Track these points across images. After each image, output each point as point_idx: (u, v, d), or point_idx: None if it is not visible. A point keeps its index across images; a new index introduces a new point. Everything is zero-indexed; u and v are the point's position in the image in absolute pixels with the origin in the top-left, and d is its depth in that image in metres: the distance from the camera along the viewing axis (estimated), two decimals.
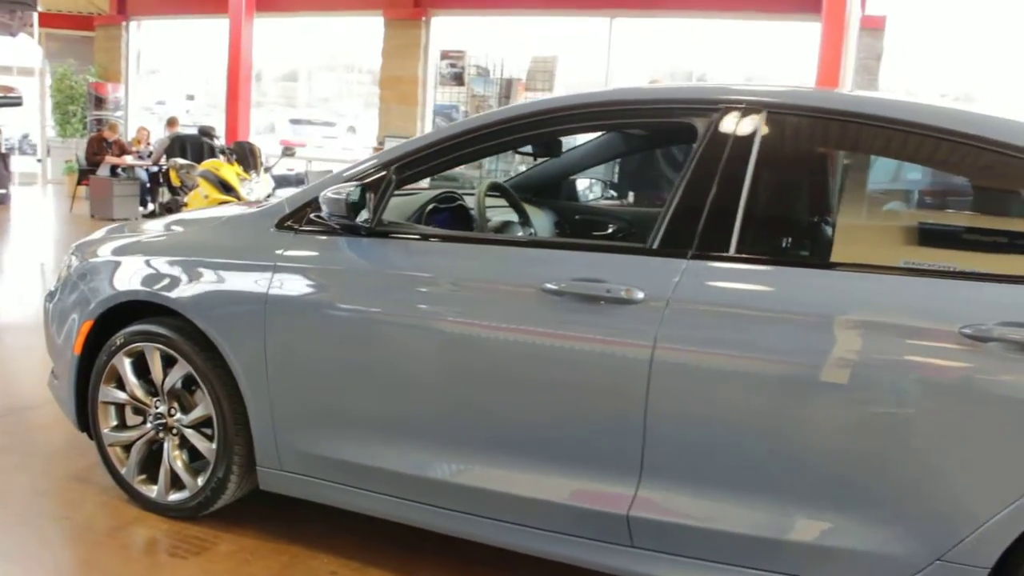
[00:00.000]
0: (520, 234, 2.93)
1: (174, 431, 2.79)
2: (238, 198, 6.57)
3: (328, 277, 2.47)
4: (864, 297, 1.99)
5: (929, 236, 2.20)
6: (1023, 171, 2.00)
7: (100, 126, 12.20)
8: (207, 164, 6.98)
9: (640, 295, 2.10)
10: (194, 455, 2.80)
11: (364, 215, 2.42)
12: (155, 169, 11.09)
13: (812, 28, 9.88)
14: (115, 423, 2.92)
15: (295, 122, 17.79)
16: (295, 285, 2.49)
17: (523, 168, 4.79)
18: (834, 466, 2.00)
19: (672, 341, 2.08)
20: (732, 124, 2.19)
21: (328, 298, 2.46)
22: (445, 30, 11.79)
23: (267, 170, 6.99)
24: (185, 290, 2.65)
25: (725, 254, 2.11)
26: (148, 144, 11.81)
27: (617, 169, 4.73)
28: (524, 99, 7.75)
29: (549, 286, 2.19)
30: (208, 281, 2.63)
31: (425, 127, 12.15)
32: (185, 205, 6.90)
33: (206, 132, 6.90)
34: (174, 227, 3.05)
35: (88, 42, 13.80)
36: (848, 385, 1.96)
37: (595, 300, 2.14)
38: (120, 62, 13.51)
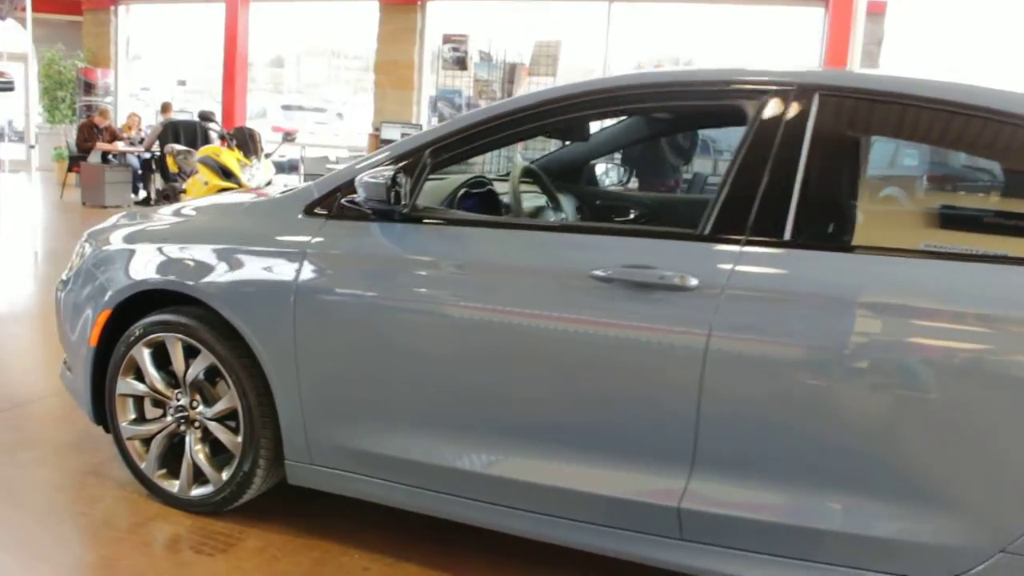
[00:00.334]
0: (553, 219, 2.85)
1: (196, 424, 2.70)
2: (238, 184, 6.45)
3: (364, 264, 2.38)
4: (924, 284, 1.93)
5: (1000, 223, 2.14)
6: None
7: (90, 112, 11.99)
8: (206, 150, 6.84)
9: (694, 282, 2.04)
10: (216, 448, 2.72)
11: (398, 200, 2.32)
12: (147, 156, 10.93)
13: (813, 14, 9.85)
14: (133, 416, 2.83)
15: (286, 108, 17.61)
16: (328, 272, 2.40)
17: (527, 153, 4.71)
18: (896, 457, 1.94)
19: (727, 329, 2.01)
20: (783, 107, 2.12)
21: (364, 286, 2.37)
22: (441, 14, 11.65)
23: (267, 156, 6.86)
24: (210, 279, 2.56)
25: (780, 240, 2.05)
26: (139, 130, 11.63)
27: (621, 154, 4.66)
28: (527, 84, 7.65)
29: (598, 273, 2.11)
30: (234, 269, 2.54)
31: (421, 113, 12.04)
32: (183, 192, 6.76)
33: (206, 117, 6.75)
34: (192, 214, 2.95)
35: (76, 27, 13.54)
36: (911, 375, 1.90)
37: (647, 287, 2.07)
38: (109, 47, 13.28)
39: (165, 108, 11.04)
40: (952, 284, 1.91)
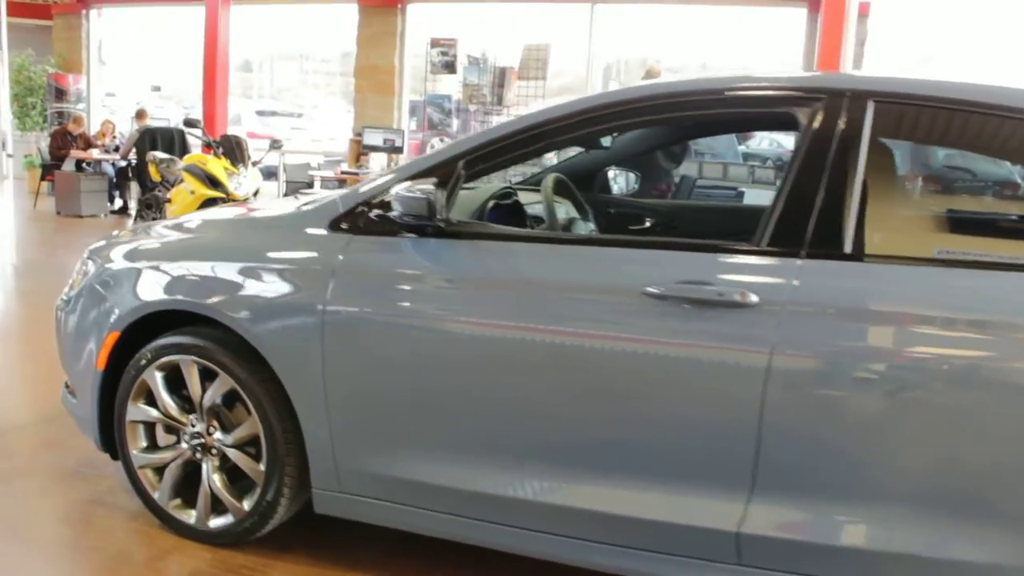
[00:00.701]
0: (586, 231, 2.75)
1: (213, 451, 2.56)
2: (226, 193, 6.28)
3: (399, 282, 2.26)
4: (997, 296, 1.86)
5: None
6: None
7: (62, 119, 11.69)
8: (192, 158, 6.65)
9: (754, 298, 1.95)
10: (233, 476, 2.58)
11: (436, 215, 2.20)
12: (123, 164, 10.66)
13: (796, 14, 9.86)
14: (144, 443, 2.68)
15: (261, 113, 17.35)
16: (359, 291, 2.28)
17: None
18: (967, 476, 1.87)
19: (791, 347, 1.93)
20: (838, 115, 2.04)
21: (399, 305, 2.25)
22: (422, 18, 11.51)
23: (255, 164, 6.68)
24: (229, 299, 2.42)
25: (840, 253, 1.97)
26: (114, 137, 11.35)
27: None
28: (516, 88, 7.56)
29: (651, 289, 2.02)
30: (255, 288, 2.41)
31: (402, 117, 11.88)
32: (168, 201, 6.57)
33: (192, 124, 6.56)
34: (203, 230, 2.81)
35: (46, 32, 13.19)
36: (985, 393, 1.83)
37: (705, 304, 1.98)
38: (81, 52, 12.95)
39: (140, 115, 10.77)
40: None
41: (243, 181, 6.38)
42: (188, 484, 2.64)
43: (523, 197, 2.83)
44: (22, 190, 11.72)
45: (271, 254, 2.43)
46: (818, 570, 2.00)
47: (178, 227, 2.87)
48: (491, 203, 2.57)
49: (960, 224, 2.14)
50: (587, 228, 2.80)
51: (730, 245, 2.09)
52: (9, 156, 7.19)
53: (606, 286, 2.09)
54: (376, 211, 2.32)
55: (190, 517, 2.62)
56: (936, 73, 2.11)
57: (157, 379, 2.58)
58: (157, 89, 13.95)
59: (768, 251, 2.01)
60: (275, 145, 7.18)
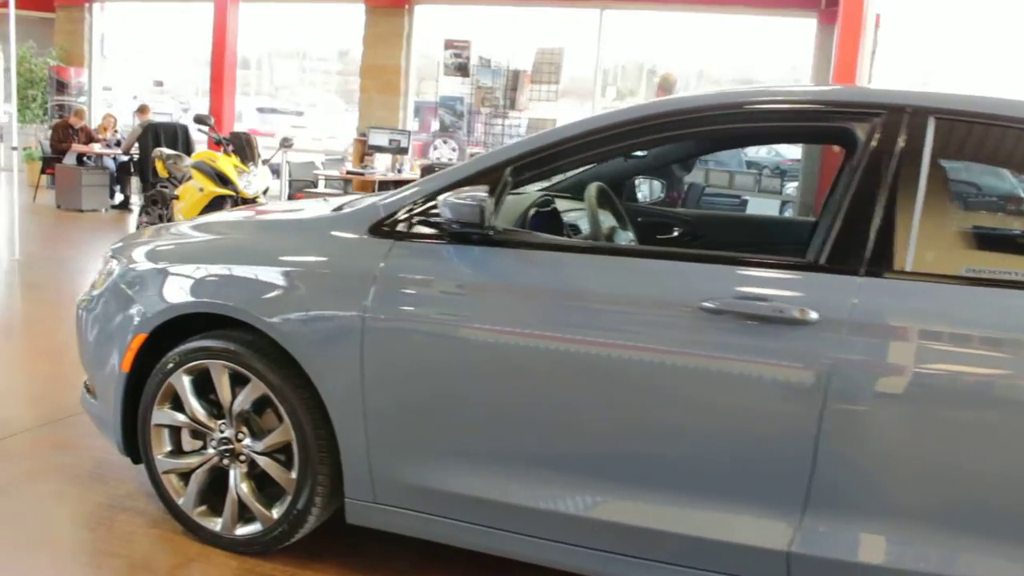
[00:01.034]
0: (629, 241, 2.70)
1: (242, 457, 2.50)
2: (235, 191, 6.20)
3: (445, 290, 2.21)
4: None
5: None
6: None
7: (63, 112, 11.58)
8: (201, 155, 6.57)
9: (814, 316, 1.91)
10: (260, 483, 2.52)
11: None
12: (125, 158, 10.57)
13: (806, 24, 9.85)
14: (169, 448, 2.62)
15: (262, 111, 17.25)
16: (402, 299, 2.23)
17: None
18: None
19: (851, 365, 1.89)
20: (898, 131, 2.01)
21: (445, 313, 2.19)
22: (429, 19, 11.46)
23: (265, 162, 6.61)
24: (263, 302, 2.36)
25: (902, 271, 1.93)
26: (115, 132, 11.24)
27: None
28: (528, 91, 7.52)
29: (708, 304, 1.98)
30: (292, 292, 2.35)
31: (407, 118, 11.83)
32: (176, 198, 6.49)
33: (202, 120, 6.49)
34: (235, 230, 2.74)
35: (48, 24, 13.07)
36: None
37: (763, 320, 1.94)
38: (83, 45, 12.83)
39: (143, 110, 10.66)
40: None
41: (253, 179, 6.31)
42: (213, 490, 2.59)
43: (559, 204, 2.78)
44: (21, 182, 11.59)
45: (308, 258, 2.38)
46: None
47: (206, 228, 2.81)
48: (532, 210, 2.52)
49: (1019, 245, 2.10)
50: (627, 238, 2.75)
51: (788, 260, 2.05)
52: (14, 149, 7.08)
53: (662, 299, 2.04)
54: (420, 217, 2.27)
55: (215, 524, 2.55)
56: (992, 90, 2.08)
57: (185, 383, 2.52)
58: (159, 84, 13.83)
59: (827, 268, 1.97)
60: (285, 143, 7.10)
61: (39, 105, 12.29)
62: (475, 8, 11.23)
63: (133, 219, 10.05)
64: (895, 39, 10.01)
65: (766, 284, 1.99)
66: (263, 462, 2.46)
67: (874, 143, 2.01)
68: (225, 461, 2.52)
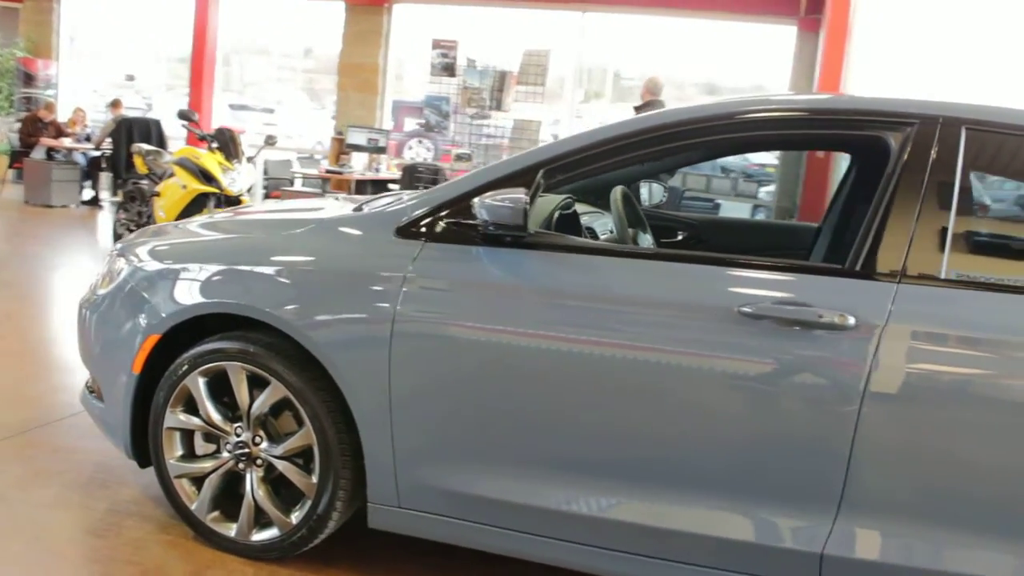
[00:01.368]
0: (649, 244, 2.70)
1: (258, 461, 2.45)
2: (219, 188, 6.09)
3: (476, 293, 2.19)
4: None
5: None
6: None
7: (30, 105, 11.29)
8: (183, 151, 6.44)
9: (852, 321, 1.93)
10: (275, 487, 2.48)
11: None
12: (96, 154, 10.34)
13: (786, 32, 9.98)
14: (181, 452, 2.56)
15: (234, 107, 16.97)
16: (433, 301, 2.20)
17: None
18: None
19: (888, 369, 1.92)
20: (931, 140, 2.03)
21: (478, 317, 2.16)
22: (408, 18, 11.40)
23: (249, 160, 6.50)
24: (286, 304, 2.32)
25: (938, 278, 1.96)
26: (85, 126, 11.00)
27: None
28: (514, 92, 7.50)
29: (746, 309, 1.98)
30: (316, 294, 2.31)
31: (385, 117, 11.75)
32: (157, 195, 6.35)
33: (186, 116, 6.36)
34: (251, 229, 2.68)
35: (13, 14, 12.74)
36: None
37: (801, 325, 1.95)
38: (51, 37, 12.52)
39: (115, 104, 10.45)
40: None
41: (237, 177, 6.21)
42: (225, 495, 2.53)
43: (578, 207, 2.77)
44: None
45: (335, 259, 2.34)
46: None
47: (220, 227, 2.75)
48: (556, 213, 2.51)
49: None
50: (648, 241, 2.75)
51: (821, 266, 2.07)
52: None
53: (701, 304, 2.05)
54: (450, 219, 2.24)
55: (230, 530, 2.50)
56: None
57: (200, 385, 2.46)
58: (131, 79, 13.54)
59: (862, 274, 1.99)
60: (270, 141, 7.00)
61: (5, 97, 11.97)
62: (456, 8, 11.20)
63: (104, 216, 9.85)
64: (873, 47, 10.17)
65: (804, 290, 2.00)
66: (282, 466, 2.41)
67: (908, 152, 2.04)
68: (241, 465, 2.47)
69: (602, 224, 2.90)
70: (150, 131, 9.83)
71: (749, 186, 10.13)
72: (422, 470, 2.26)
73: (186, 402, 2.51)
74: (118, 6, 13.28)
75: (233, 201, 6.30)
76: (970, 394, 1.91)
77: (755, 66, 11.09)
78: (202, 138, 6.37)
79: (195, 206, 6.21)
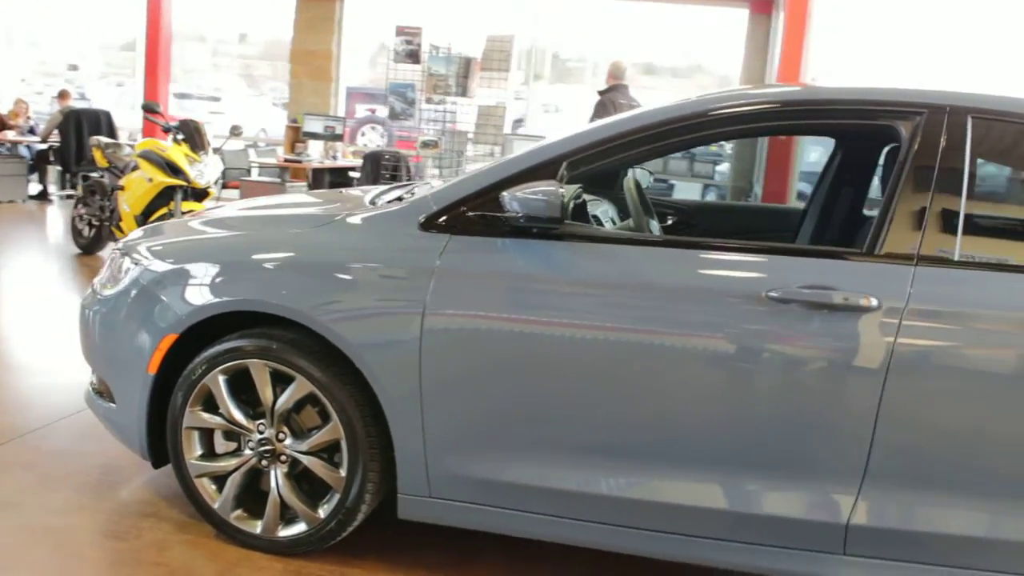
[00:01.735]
0: (660, 232, 2.77)
1: (283, 458, 2.46)
2: (187, 181, 5.96)
3: (509, 285, 2.22)
4: None
5: None
6: None
7: None
8: (147, 144, 6.26)
9: (874, 302, 2.03)
10: (298, 482, 2.49)
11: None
12: (42, 147, 9.99)
13: (738, 15, 10.15)
14: (200, 451, 2.55)
15: (178, 96, 16.53)
16: (463, 294, 2.23)
17: None
18: None
19: (909, 349, 2.03)
20: (941, 129, 2.14)
21: (509, 308, 2.20)
22: (361, 3, 11.26)
23: (216, 151, 6.37)
24: (314, 300, 2.32)
25: (951, 260, 2.07)
26: (28, 118, 10.61)
27: None
28: (478, 79, 7.49)
29: (774, 293, 2.07)
30: (343, 289, 2.32)
31: (339, 104, 11.61)
32: (121, 188, 6.19)
33: (150, 109, 6.19)
34: (269, 225, 2.66)
35: None
36: None
37: (827, 308, 2.05)
38: None
39: (63, 95, 10.10)
40: None
41: (205, 169, 6.08)
42: (246, 492, 2.53)
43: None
44: None
45: (360, 254, 2.34)
46: (922, 556, 2.10)
47: (231, 224, 2.73)
48: (571, 203, 2.55)
49: None
50: (656, 228, 2.82)
51: (841, 250, 2.17)
52: None
53: (728, 289, 2.12)
54: (476, 212, 2.27)
55: (255, 527, 2.50)
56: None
57: (221, 384, 2.45)
58: (74, 68, 13.09)
59: (881, 257, 2.09)
60: (235, 131, 6.86)
61: None
62: None
63: (54, 211, 9.55)
64: (833, 32, 10.41)
65: (827, 274, 2.09)
66: (309, 461, 2.42)
67: (918, 141, 2.14)
68: (264, 462, 2.47)
69: (602, 211, 2.96)
70: (100, 122, 9.54)
71: (705, 167, 10.30)
72: (453, 459, 2.30)
73: (205, 401, 2.50)
74: None
75: (201, 194, 6.18)
76: (984, 369, 2.04)
77: (703, 47, 11.26)
78: (167, 130, 6.22)
79: (161, 199, 6.08)
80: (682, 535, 2.22)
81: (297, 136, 10.69)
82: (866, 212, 3.26)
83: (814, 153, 9.13)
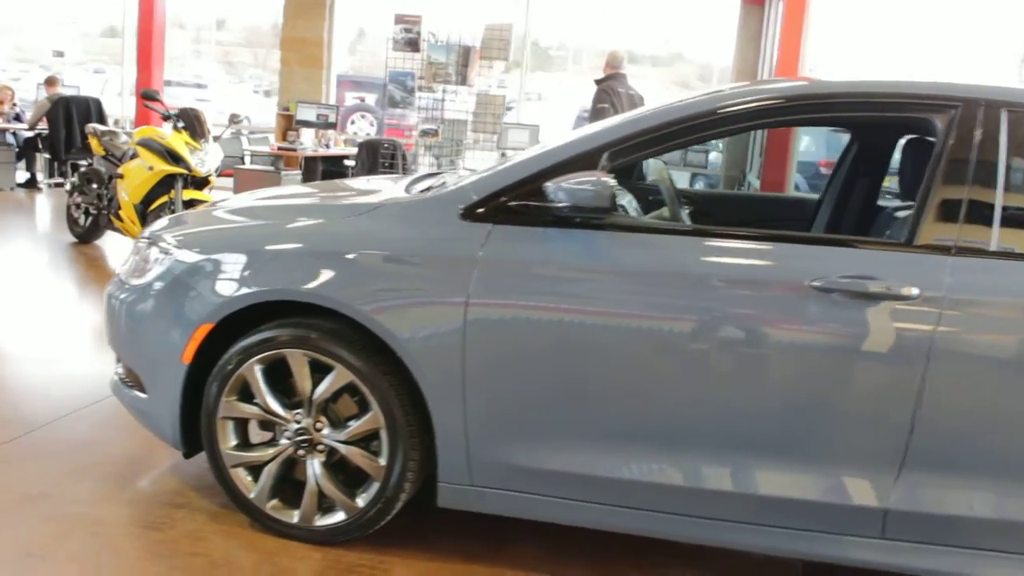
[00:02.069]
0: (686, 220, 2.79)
1: (320, 447, 2.46)
2: (188, 169, 5.91)
3: (552, 274, 2.23)
4: None
5: None
6: None
7: None
8: (146, 131, 6.19)
9: (915, 291, 2.07)
10: (335, 472, 2.49)
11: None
12: (30, 134, 9.85)
13: (730, 4, 10.18)
14: (235, 441, 2.54)
15: (168, 84, 16.31)
16: (507, 284, 2.24)
17: None
18: None
19: (950, 338, 2.07)
20: (975, 121, 2.17)
21: (552, 298, 2.22)
22: None
23: (216, 139, 6.31)
24: (354, 290, 2.32)
25: (987, 250, 2.11)
26: (14, 105, 10.44)
27: None
28: (478, 67, 7.47)
29: (816, 283, 2.10)
30: (384, 279, 2.32)
31: (330, 92, 11.54)
32: (120, 177, 6.12)
33: (150, 96, 6.11)
34: (304, 214, 2.64)
35: None
36: None
37: (869, 297, 2.08)
38: None
39: (51, 82, 9.95)
40: None
41: (206, 157, 6.02)
42: (282, 481, 2.54)
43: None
44: None
45: (401, 243, 2.34)
46: (958, 540, 2.15)
47: (266, 212, 2.73)
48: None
49: None
50: (686, 217, 2.84)
51: (879, 240, 2.21)
52: None
53: (772, 279, 2.15)
54: (518, 201, 2.28)
55: (292, 517, 2.51)
56: None
57: (258, 373, 2.45)
58: (60, 55, 12.89)
59: (920, 248, 2.12)
60: (235, 120, 6.80)
61: None
62: None
63: (42, 199, 9.43)
64: (830, 23, 10.46)
65: (868, 264, 2.13)
66: (347, 450, 2.43)
67: (954, 133, 2.17)
68: (301, 452, 2.48)
69: (627, 201, 2.98)
70: (89, 110, 9.41)
71: (699, 156, 10.35)
72: (495, 448, 2.32)
73: (240, 391, 2.49)
74: None
75: (201, 182, 6.13)
76: (1021, 357, 2.08)
77: (685, 36, 11.28)
78: (167, 117, 6.15)
79: (161, 188, 6.02)
80: (722, 520, 2.25)
81: (289, 124, 10.62)
82: (881, 203, 3.31)
83: (803, 141, 9.23)
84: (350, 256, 2.36)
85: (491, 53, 7.28)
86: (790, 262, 2.17)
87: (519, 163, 2.36)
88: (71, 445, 3.07)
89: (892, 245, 2.17)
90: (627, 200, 3.03)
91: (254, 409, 2.49)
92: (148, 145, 5.99)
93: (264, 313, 2.46)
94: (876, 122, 2.88)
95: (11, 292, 5.31)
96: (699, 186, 9.61)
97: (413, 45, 6.98)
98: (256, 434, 2.61)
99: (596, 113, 6.99)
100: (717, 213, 3.65)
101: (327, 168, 9.95)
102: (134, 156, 6.14)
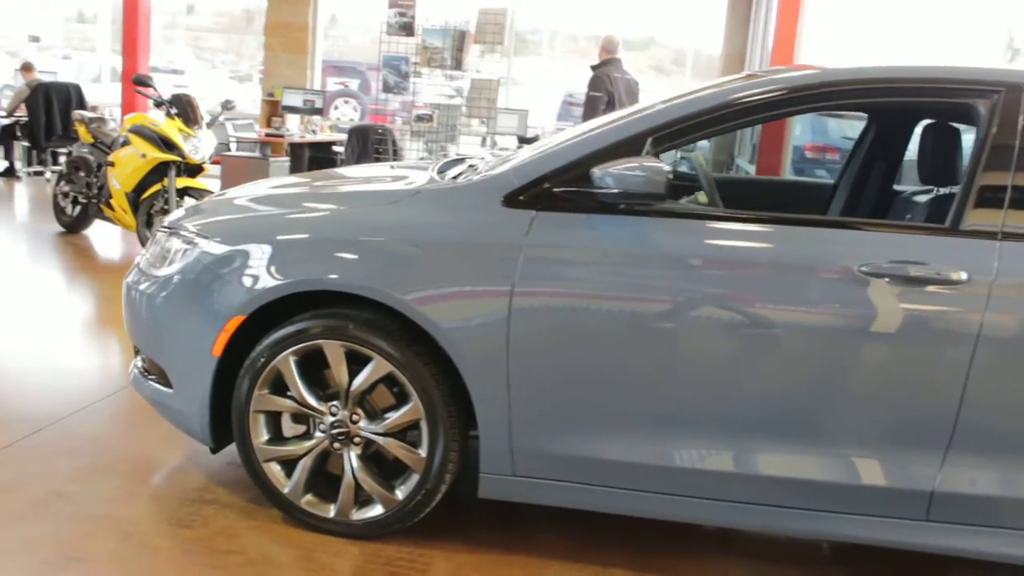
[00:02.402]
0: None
1: (356, 440, 2.42)
2: (181, 156, 5.78)
3: (599, 261, 2.19)
4: None
5: None
6: None
7: None
8: (137, 118, 6.05)
9: (964, 276, 2.07)
10: (371, 464, 2.45)
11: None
12: (7, 121, 9.61)
13: None
14: (267, 435, 2.49)
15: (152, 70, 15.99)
16: (553, 271, 2.20)
17: None
18: None
19: (998, 322, 2.07)
20: (1019, 106, 2.17)
21: (599, 284, 2.18)
22: None
23: (208, 125, 6.18)
24: (394, 279, 2.27)
25: None
26: None
27: None
28: (473, 52, 7.39)
29: (865, 268, 2.09)
30: (427, 268, 2.27)
31: (315, 77, 11.39)
32: (111, 164, 5.98)
33: (142, 82, 5.95)
34: (336, 201, 2.59)
35: None
36: None
37: (918, 281, 2.08)
38: None
39: (27, 68, 9.70)
40: None
41: (199, 144, 5.90)
42: (315, 475, 2.49)
43: None
44: None
45: (441, 230, 2.30)
46: (1003, 521, 2.17)
47: (292, 200, 2.66)
48: None
49: None
50: (713, 203, 2.82)
51: (925, 225, 2.20)
52: None
53: (821, 264, 2.14)
54: (562, 187, 2.24)
55: (328, 511, 2.46)
56: None
57: (292, 365, 2.40)
58: (36, 39, 12.59)
59: (967, 232, 2.12)
60: (228, 106, 6.67)
61: None
62: None
63: (22, 187, 9.21)
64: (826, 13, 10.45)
65: (916, 249, 2.12)
66: (385, 442, 2.39)
67: (997, 119, 2.16)
68: (336, 445, 2.43)
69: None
70: (70, 96, 9.21)
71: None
72: (538, 438, 2.29)
73: (273, 383, 2.44)
74: None
75: (194, 169, 6.01)
76: None
77: (667, 20, 11.23)
78: (159, 104, 6.01)
79: (154, 175, 5.90)
80: (767, 506, 2.25)
81: (274, 110, 10.47)
82: (897, 187, 3.32)
83: (797, 127, 9.25)
84: (389, 245, 2.31)
85: (486, 37, 7.20)
86: (841, 248, 2.16)
87: (562, 148, 2.32)
88: (88, 441, 3.00)
89: (941, 230, 2.16)
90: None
91: (288, 402, 2.44)
92: (140, 132, 5.86)
93: (293, 304, 2.41)
94: (915, 107, 2.88)
95: (3, 286, 5.18)
96: (683, 169, 9.63)
97: (407, 29, 6.88)
98: (289, 428, 2.56)
99: (591, 100, 6.95)
100: (733, 198, 3.64)
101: (313, 155, 9.83)
102: (124, 143, 6.01)
